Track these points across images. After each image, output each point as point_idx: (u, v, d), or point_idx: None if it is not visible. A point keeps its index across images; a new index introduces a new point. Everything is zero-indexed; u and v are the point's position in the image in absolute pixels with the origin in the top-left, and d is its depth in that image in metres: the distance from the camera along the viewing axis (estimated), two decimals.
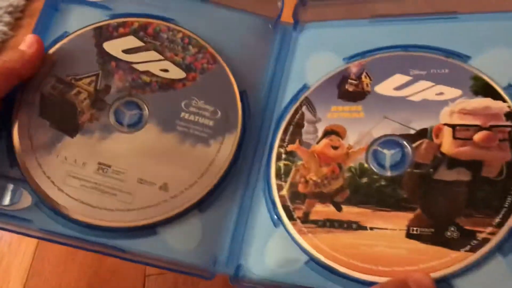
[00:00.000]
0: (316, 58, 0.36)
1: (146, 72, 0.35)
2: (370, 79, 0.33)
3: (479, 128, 0.29)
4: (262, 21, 0.38)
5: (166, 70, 0.36)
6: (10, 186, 0.33)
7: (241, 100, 0.35)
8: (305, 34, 0.37)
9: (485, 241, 0.26)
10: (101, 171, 0.33)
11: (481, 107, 0.30)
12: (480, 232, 0.27)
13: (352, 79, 0.34)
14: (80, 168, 0.33)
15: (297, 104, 0.34)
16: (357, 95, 0.33)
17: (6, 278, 0.42)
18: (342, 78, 0.34)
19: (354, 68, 0.34)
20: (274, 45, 0.37)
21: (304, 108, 0.34)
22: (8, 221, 0.32)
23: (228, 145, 0.34)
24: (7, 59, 0.33)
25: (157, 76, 0.35)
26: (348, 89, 0.33)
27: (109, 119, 0.34)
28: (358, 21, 0.35)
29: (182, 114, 0.34)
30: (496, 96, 0.30)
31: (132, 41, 0.36)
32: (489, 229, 0.26)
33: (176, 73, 0.36)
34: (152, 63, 0.36)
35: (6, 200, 0.32)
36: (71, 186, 0.32)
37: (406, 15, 0.34)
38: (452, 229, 0.27)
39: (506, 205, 0.27)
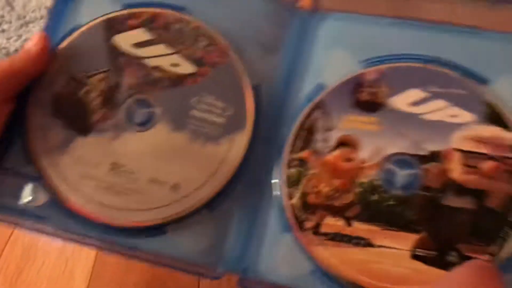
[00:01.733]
0: (334, 55, 0.35)
1: (157, 68, 0.34)
2: (388, 89, 0.33)
3: (488, 157, 0.31)
4: (278, 7, 0.36)
5: (176, 65, 0.34)
6: (28, 184, 0.33)
7: (254, 95, 0.34)
8: (326, 25, 0.35)
9: None
10: (114, 171, 0.33)
11: (493, 136, 0.31)
12: (477, 258, 0.30)
13: (370, 87, 0.33)
14: (93, 168, 0.33)
15: (312, 106, 0.34)
16: (373, 106, 0.33)
17: (70, 282, 0.43)
18: (356, 84, 0.34)
19: (371, 75, 0.33)
20: (291, 35, 0.35)
21: (319, 113, 0.34)
22: (25, 218, 0.33)
23: (239, 144, 0.34)
24: (14, 59, 0.31)
25: (167, 71, 0.34)
26: (364, 97, 0.33)
27: (120, 118, 0.33)
28: (381, 19, 0.34)
29: (193, 111, 0.34)
30: (506, 125, 0.31)
31: (142, 34, 0.34)
32: (485, 257, 0.29)
33: (186, 67, 0.34)
34: (162, 57, 0.34)
35: (25, 198, 0.33)
36: (86, 186, 0.33)
37: (429, 20, 0.33)
38: (453, 254, 0.30)
39: (502, 235, 0.29)
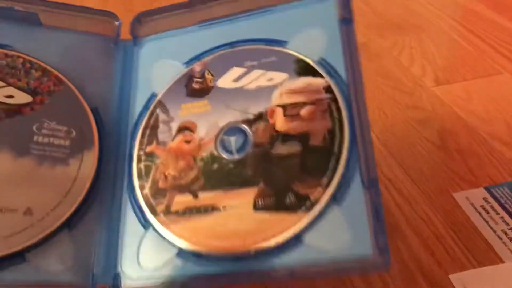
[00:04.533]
0: (159, 67, 0.39)
1: None
2: (213, 76, 0.37)
3: (304, 104, 0.33)
4: (102, 40, 0.40)
5: (11, 96, 0.36)
6: None
7: (94, 117, 0.37)
8: (145, 47, 0.40)
9: (317, 200, 0.30)
10: None
11: (304, 85, 0.34)
12: (312, 193, 0.30)
13: (197, 77, 0.37)
14: None
15: (151, 109, 0.37)
16: (203, 91, 0.36)
17: None
18: (188, 78, 0.37)
19: (197, 68, 0.37)
20: (117, 62, 0.40)
21: (158, 111, 0.37)
22: None
23: (88, 161, 0.35)
24: None
25: (2, 103, 0.36)
26: (195, 87, 0.37)
27: None
28: (189, 28, 0.39)
29: (35, 137, 0.35)
30: (315, 73, 0.34)
31: None
32: (319, 189, 0.30)
33: (22, 98, 0.36)
34: None
35: None
36: None
37: (227, 16, 0.38)
38: (289, 195, 0.31)
39: (331, 166, 0.31)
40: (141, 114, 0.37)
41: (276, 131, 0.33)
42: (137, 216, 0.34)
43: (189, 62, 0.38)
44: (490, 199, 0.45)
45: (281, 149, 0.32)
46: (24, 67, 0.37)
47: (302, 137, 0.32)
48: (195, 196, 0.33)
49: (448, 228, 0.43)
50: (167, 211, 0.33)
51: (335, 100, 0.32)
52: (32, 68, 0.37)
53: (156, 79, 0.38)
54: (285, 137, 0.33)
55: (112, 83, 0.39)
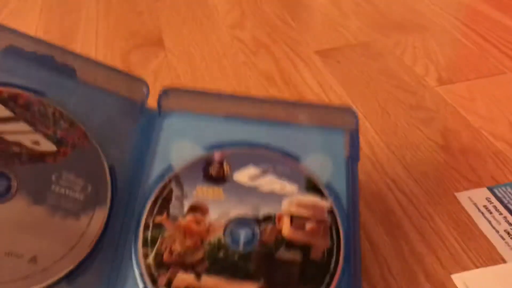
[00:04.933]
0: (179, 144, 0.41)
1: (16, 143, 0.36)
2: (230, 167, 0.40)
3: (309, 219, 0.38)
4: (130, 103, 0.42)
5: (37, 143, 0.37)
6: None
7: (110, 175, 0.38)
8: (169, 120, 0.43)
9: None
10: None
11: (311, 203, 0.39)
12: None
13: (215, 165, 0.40)
14: None
15: (166, 180, 0.39)
16: (219, 180, 0.40)
17: None
18: (206, 163, 0.40)
19: (217, 156, 0.41)
20: (141, 127, 0.42)
21: (172, 185, 0.39)
22: None
23: (98, 218, 0.36)
24: None
25: (27, 147, 0.36)
26: (212, 173, 0.40)
27: None
28: (214, 116, 0.42)
29: (53, 187, 0.36)
30: (321, 194, 0.39)
31: (1, 111, 0.36)
32: None
33: (47, 146, 0.37)
34: (22, 134, 0.36)
35: None
36: None
37: (252, 117, 0.42)
38: None
39: (326, 281, 0.36)
40: (156, 183, 0.39)
41: (282, 236, 0.38)
42: (136, 283, 0.35)
43: (209, 148, 0.41)
44: (493, 199, 0.45)
45: (285, 254, 0.37)
46: (54, 116, 0.38)
47: (304, 249, 0.37)
48: (198, 277, 0.36)
49: (450, 228, 0.44)
50: (168, 286, 0.35)
51: (335, 223, 0.38)
52: (61, 119, 0.38)
53: (175, 154, 0.41)
54: (289, 244, 0.37)
55: (132, 146, 0.40)
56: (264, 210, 0.39)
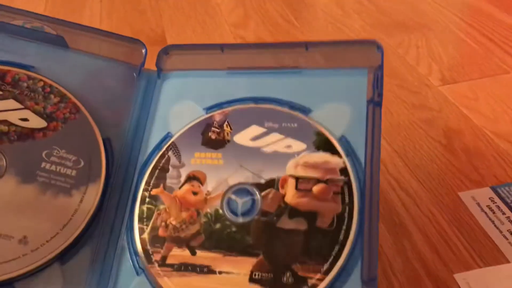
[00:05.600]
0: (179, 106, 0.38)
1: (4, 121, 0.35)
2: (231, 129, 0.36)
3: (317, 180, 0.33)
4: (126, 68, 0.39)
5: (26, 119, 0.36)
6: None
7: (105, 148, 0.36)
8: (169, 82, 0.39)
9: (314, 286, 0.30)
10: None
11: (321, 161, 0.33)
12: (311, 278, 0.30)
13: (215, 127, 0.36)
14: None
15: (164, 149, 0.36)
16: (218, 143, 0.36)
17: None
18: (206, 125, 0.36)
19: (217, 117, 0.36)
20: (138, 93, 0.39)
21: (170, 153, 0.36)
22: None
23: (91, 194, 0.35)
24: None
25: (16, 125, 0.35)
26: (211, 136, 0.36)
27: None
28: (216, 71, 0.38)
29: (43, 164, 0.35)
30: (333, 150, 0.33)
31: None
32: (318, 276, 0.30)
33: (36, 122, 0.36)
34: (10, 112, 0.36)
35: None
36: None
37: (257, 67, 0.37)
38: (288, 275, 0.31)
39: (334, 254, 0.30)
40: (153, 153, 0.36)
41: (285, 203, 0.33)
42: (131, 260, 0.34)
43: (209, 109, 0.37)
44: (496, 199, 0.45)
45: (287, 223, 0.32)
46: (44, 91, 0.37)
47: (310, 216, 0.32)
48: (193, 252, 0.33)
49: (453, 227, 0.43)
50: (162, 262, 0.33)
51: (349, 184, 0.32)
52: (51, 93, 0.37)
53: (174, 119, 0.38)
54: (293, 211, 0.32)
55: (129, 114, 0.38)
56: (267, 174, 0.34)
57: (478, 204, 0.44)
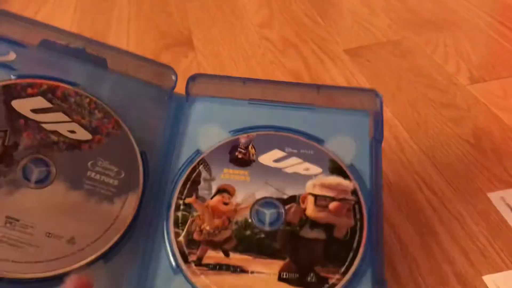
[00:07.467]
0: (206, 127, 0.43)
1: (54, 132, 0.38)
2: (255, 150, 0.42)
3: (333, 199, 0.39)
4: (159, 90, 0.44)
5: (73, 132, 0.39)
6: None
7: (142, 161, 0.40)
8: (196, 106, 0.44)
9: (334, 285, 0.36)
10: (9, 224, 0.35)
11: (335, 183, 0.40)
12: (331, 278, 0.36)
13: (241, 148, 0.42)
14: None
15: (195, 163, 0.41)
16: (245, 162, 0.41)
17: None
18: (232, 146, 0.42)
19: (242, 139, 0.42)
20: (169, 113, 0.43)
21: (201, 168, 0.41)
22: None
23: (131, 202, 0.39)
24: None
25: (64, 136, 0.38)
26: (238, 156, 0.41)
27: (16, 175, 0.36)
28: (239, 101, 0.44)
29: (89, 173, 0.38)
30: (345, 175, 0.40)
31: (40, 102, 0.39)
32: (337, 276, 0.36)
33: (83, 134, 0.39)
34: (60, 124, 0.39)
35: None
36: None
37: (276, 101, 0.44)
38: (312, 275, 0.36)
39: (349, 259, 0.37)
40: (185, 166, 0.41)
41: (306, 216, 0.39)
42: (169, 260, 0.37)
43: (235, 132, 0.43)
44: None
45: (309, 233, 0.38)
46: (90, 106, 0.40)
47: (328, 227, 0.38)
48: (227, 254, 0.37)
49: (482, 228, 0.43)
50: (199, 262, 0.37)
51: (359, 203, 0.39)
52: (96, 109, 0.40)
53: (203, 138, 0.42)
54: (313, 223, 0.38)
55: (162, 132, 0.42)
56: (289, 191, 0.40)
57: (508, 205, 0.44)
